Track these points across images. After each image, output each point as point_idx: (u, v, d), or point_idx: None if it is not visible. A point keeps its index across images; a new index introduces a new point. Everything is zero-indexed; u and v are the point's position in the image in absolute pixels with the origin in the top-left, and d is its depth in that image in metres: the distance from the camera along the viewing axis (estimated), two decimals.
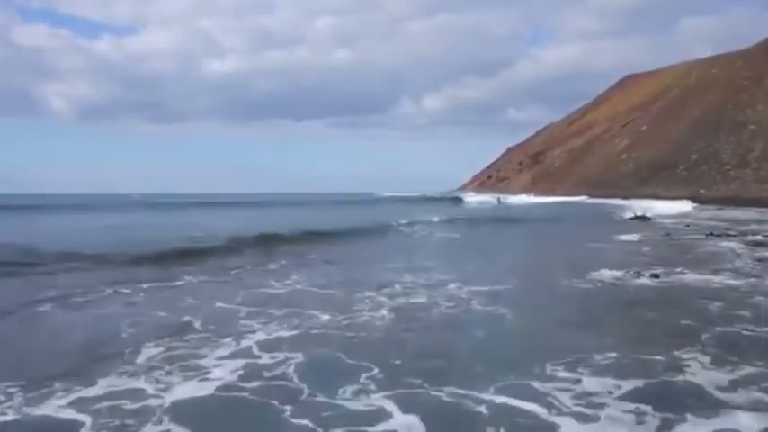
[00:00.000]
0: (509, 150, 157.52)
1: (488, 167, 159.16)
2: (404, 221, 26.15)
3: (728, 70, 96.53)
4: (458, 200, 79.95)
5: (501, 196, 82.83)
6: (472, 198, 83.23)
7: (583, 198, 71.76)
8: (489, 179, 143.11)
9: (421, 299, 9.94)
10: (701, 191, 71.98)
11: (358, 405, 5.10)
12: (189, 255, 14.82)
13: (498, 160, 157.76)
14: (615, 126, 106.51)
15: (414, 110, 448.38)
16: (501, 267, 14.13)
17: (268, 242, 17.38)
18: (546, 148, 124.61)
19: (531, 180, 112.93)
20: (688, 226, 25.39)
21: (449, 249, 18.74)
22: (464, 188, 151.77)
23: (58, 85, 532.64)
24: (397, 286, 11.01)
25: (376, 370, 5.96)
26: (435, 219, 28.42)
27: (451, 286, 11.03)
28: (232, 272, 13.01)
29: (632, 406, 4.95)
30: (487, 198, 79.90)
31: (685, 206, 38.99)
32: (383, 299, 9.95)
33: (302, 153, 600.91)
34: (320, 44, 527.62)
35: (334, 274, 12.72)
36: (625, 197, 67.87)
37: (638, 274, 11.93)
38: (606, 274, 12.25)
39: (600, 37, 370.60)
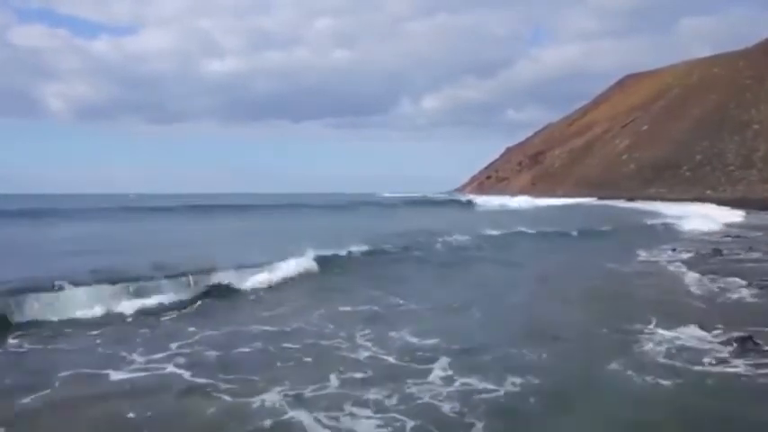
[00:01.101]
0: (508, 150, 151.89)
1: (487, 168, 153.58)
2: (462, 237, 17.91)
3: (730, 70, 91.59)
4: (467, 202, 70.74)
5: (502, 197, 77.05)
6: (482, 199, 75.32)
7: (592, 200, 66.05)
8: (488, 179, 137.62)
9: (368, 425, 4.86)
10: (707, 192, 67.07)
11: None
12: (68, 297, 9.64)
13: (497, 160, 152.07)
14: (616, 126, 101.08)
15: (413, 110, 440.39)
16: (515, 319, 9.07)
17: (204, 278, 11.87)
18: (545, 148, 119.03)
19: (531, 180, 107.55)
20: (728, 237, 20.24)
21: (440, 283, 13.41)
22: (463, 188, 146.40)
23: (56, 85, 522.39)
24: (334, 378, 5.90)
25: None
26: (527, 229, 20.39)
27: (434, 375, 5.98)
28: (94, 332, 7.88)
29: None
30: (497, 200, 71.95)
31: (730, 213, 31.32)
32: (296, 418, 4.91)
33: (301, 153, 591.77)
34: (319, 44, 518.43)
35: (253, 337, 7.66)
36: (630, 198, 63.04)
37: (725, 346, 6.82)
38: (683, 338, 7.20)
39: (599, 37, 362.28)
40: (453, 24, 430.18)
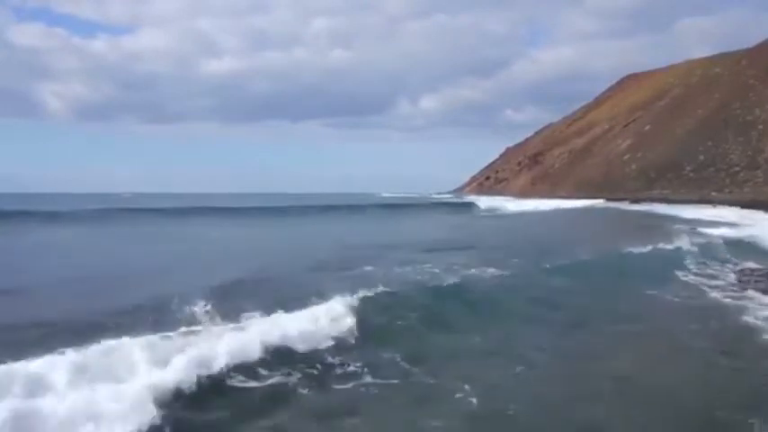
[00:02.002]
0: (507, 151, 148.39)
1: (487, 168, 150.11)
2: None
3: (733, 69, 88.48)
4: (477, 206, 61.22)
5: (503, 198, 72.73)
6: (491, 202, 67.54)
7: (600, 201, 62.32)
8: (488, 180, 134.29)
9: None
10: (713, 193, 63.80)
11: None
12: None
13: (497, 161, 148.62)
14: (617, 126, 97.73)
15: (412, 110, 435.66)
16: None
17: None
18: (545, 148, 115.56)
19: (531, 181, 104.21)
20: None
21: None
22: (462, 189, 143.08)
23: (53, 85, 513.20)
24: None
25: None
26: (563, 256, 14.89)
27: None
28: None
29: None
30: (510, 203, 64.43)
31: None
32: None
33: (300, 153, 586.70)
34: (317, 45, 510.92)
35: None
36: (635, 200, 59.86)
37: None
38: None
39: (598, 38, 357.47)
40: (451, 25, 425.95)
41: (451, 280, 10.54)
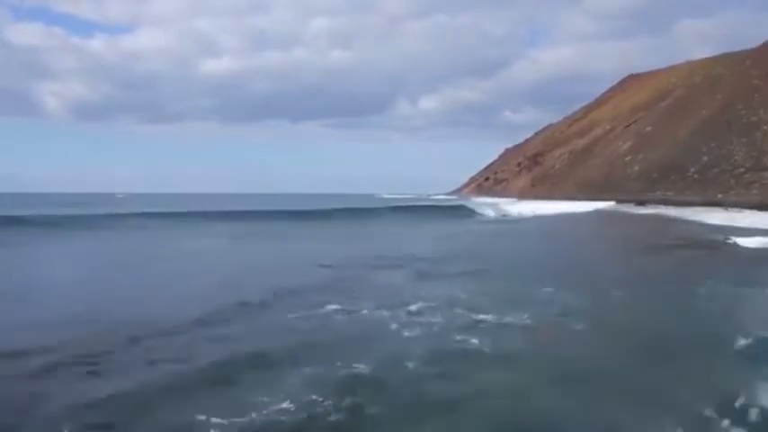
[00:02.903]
0: (507, 152, 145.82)
1: (486, 169, 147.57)
2: None
3: (736, 69, 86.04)
4: (471, 207, 54.56)
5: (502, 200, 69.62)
6: (502, 205, 60.97)
7: (610, 204, 59.34)
8: (487, 181, 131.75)
9: None
10: (719, 195, 61.28)
11: None
12: None
13: (496, 161, 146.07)
14: (618, 127, 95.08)
15: (411, 111, 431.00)
16: None
17: None
18: (545, 149, 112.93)
19: (531, 182, 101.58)
20: None
21: None
22: (461, 190, 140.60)
23: (52, 84, 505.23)
24: None
25: None
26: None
27: None
28: None
29: None
30: (518, 206, 58.14)
31: None
32: None
33: (300, 154, 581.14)
34: (317, 45, 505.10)
35: None
36: (640, 202, 57.41)
37: None
38: None
39: (597, 39, 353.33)
40: (451, 25, 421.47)
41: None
